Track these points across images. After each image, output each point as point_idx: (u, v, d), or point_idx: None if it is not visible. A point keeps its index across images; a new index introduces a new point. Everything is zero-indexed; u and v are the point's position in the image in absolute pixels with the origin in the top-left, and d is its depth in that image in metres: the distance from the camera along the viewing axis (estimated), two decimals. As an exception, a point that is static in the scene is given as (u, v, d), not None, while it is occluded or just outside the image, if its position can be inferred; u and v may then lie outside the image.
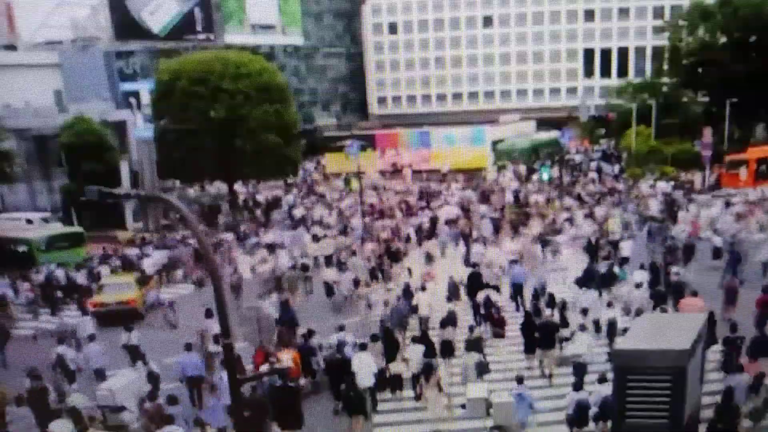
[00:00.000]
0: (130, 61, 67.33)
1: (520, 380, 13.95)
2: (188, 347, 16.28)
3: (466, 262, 24.81)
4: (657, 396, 9.86)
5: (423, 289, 20.17)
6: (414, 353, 15.64)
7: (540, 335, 16.62)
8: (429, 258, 26.29)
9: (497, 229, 30.03)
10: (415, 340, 16.28)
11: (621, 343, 11.13)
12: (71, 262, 29.48)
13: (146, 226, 40.59)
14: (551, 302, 18.75)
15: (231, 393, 9.59)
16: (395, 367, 16.06)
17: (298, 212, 39.01)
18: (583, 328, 16.69)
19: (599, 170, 48.63)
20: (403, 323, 18.47)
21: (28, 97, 49.12)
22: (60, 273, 26.96)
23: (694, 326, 11.05)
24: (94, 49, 63.83)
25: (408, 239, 29.98)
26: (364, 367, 14.77)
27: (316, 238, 29.82)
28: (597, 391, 13.27)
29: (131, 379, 15.08)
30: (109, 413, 14.20)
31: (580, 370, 15.11)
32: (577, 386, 13.56)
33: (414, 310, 19.15)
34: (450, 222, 31.70)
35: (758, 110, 48.34)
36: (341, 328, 17.32)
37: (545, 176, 45.80)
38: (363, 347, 15.51)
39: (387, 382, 15.90)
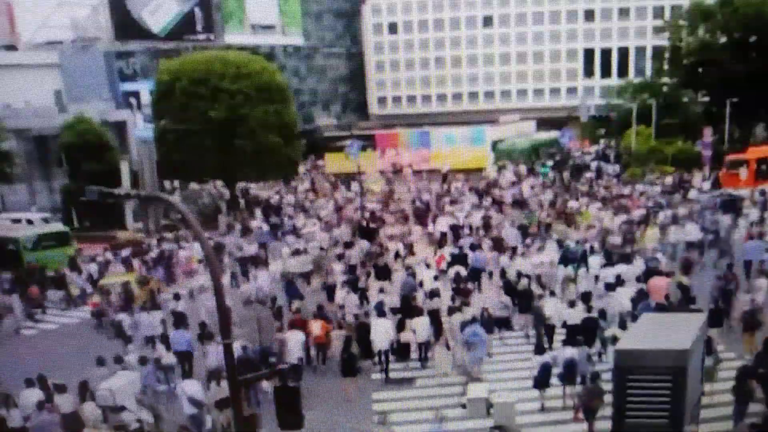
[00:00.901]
0: (130, 62, 67.40)
1: (474, 320, 16.74)
2: (177, 325, 18.36)
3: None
4: (657, 396, 9.85)
5: (428, 266, 22.60)
6: (420, 324, 17.23)
7: (519, 301, 19.25)
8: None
9: (525, 238, 27.12)
10: (416, 313, 17.82)
11: (621, 342, 11.13)
12: (57, 261, 29.59)
13: (146, 226, 40.59)
14: (519, 275, 20.72)
15: (231, 393, 9.62)
16: (404, 337, 17.70)
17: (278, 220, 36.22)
18: (552, 294, 18.89)
19: (598, 170, 48.55)
20: (411, 295, 19.77)
21: (28, 97, 49.17)
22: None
23: (694, 326, 11.04)
24: (94, 50, 63.88)
25: (397, 255, 25.95)
26: (381, 332, 16.72)
27: (297, 252, 26.90)
28: (562, 354, 14.86)
29: (131, 379, 15.11)
30: (109, 413, 14.23)
31: (549, 330, 17.55)
32: (540, 350, 15.39)
33: (420, 284, 20.84)
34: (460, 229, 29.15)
35: (758, 110, 48.30)
36: (381, 290, 20.14)
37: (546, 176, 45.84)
38: (382, 314, 17.81)
39: (397, 350, 17.68)
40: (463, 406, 14.55)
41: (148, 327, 19.04)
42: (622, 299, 17.39)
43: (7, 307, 23.79)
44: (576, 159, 55.66)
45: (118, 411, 14.08)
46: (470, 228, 29.81)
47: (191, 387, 14.32)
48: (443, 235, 28.93)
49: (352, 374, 16.11)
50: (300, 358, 16.75)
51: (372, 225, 31.45)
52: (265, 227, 33.70)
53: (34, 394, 14.43)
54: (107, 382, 14.93)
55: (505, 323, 18.17)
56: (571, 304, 17.58)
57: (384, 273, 22.91)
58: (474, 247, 24.39)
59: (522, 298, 19.20)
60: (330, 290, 21.83)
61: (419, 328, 17.31)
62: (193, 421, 13.96)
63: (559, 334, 17.23)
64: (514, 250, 23.92)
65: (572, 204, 33.35)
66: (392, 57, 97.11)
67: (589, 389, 13.64)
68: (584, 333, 15.94)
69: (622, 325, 15.81)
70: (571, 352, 14.80)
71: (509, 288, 20.18)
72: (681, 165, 45.45)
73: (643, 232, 26.11)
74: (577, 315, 16.77)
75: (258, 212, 41.57)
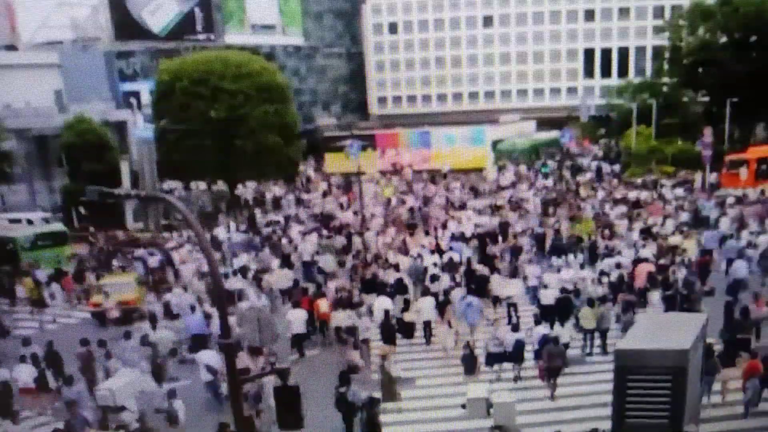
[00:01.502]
0: (130, 62, 67.50)
1: (470, 290, 19.89)
2: (192, 309, 19.58)
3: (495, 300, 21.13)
4: (657, 396, 9.85)
5: (432, 252, 24.96)
6: (426, 305, 19.07)
7: (475, 286, 20.96)
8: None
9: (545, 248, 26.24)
10: (424, 293, 19.81)
11: (621, 342, 11.13)
12: (54, 260, 29.91)
13: (146, 226, 40.59)
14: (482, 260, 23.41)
15: (230, 392, 9.62)
16: (408, 317, 19.38)
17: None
18: (513, 275, 21.58)
19: (599, 170, 48.58)
20: (420, 278, 21.89)
21: (28, 97, 49.15)
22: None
23: (694, 326, 11.04)
24: (95, 50, 63.99)
25: (396, 266, 23.41)
26: (380, 306, 18.91)
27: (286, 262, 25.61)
28: (535, 332, 16.62)
29: (131, 378, 15.10)
30: (109, 413, 14.23)
31: (513, 308, 20.11)
32: (515, 328, 16.91)
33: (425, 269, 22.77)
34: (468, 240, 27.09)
35: (759, 110, 48.25)
36: (397, 268, 22.44)
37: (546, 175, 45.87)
38: (387, 292, 20.20)
39: (402, 328, 19.41)
40: (463, 406, 14.55)
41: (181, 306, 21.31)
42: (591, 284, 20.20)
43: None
44: (576, 159, 55.70)
45: (118, 411, 14.08)
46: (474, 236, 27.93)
47: (208, 356, 15.43)
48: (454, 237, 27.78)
49: (393, 342, 18.05)
50: (302, 332, 18.72)
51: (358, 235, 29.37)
52: (237, 237, 31.84)
53: (28, 370, 16.40)
54: (107, 382, 14.94)
55: (498, 359, 16.75)
56: (545, 286, 19.78)
57: (371, 286, 21.54)
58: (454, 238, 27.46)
59: (477, 284, 21.00)
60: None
61: (424, 308, 19.08)
62: (209, 387, 15.24)
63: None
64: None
65: (617, 212, 31.35)
66: (392, 57, 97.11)
67: (550, 350, 15.39)
68: (559, 310, 18.34)
69: (590, 304, 18.03)
70: (541, 330, 16.60)
71: (468, 270, 22.26)
72: (681, 165, 45.46)
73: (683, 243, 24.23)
74: (551, 295, 19.13)
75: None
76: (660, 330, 11.24)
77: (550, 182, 43.94)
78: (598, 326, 17.56)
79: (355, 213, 35.14)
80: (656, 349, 10.08)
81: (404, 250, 26.04)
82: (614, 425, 10.34)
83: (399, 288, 20.98)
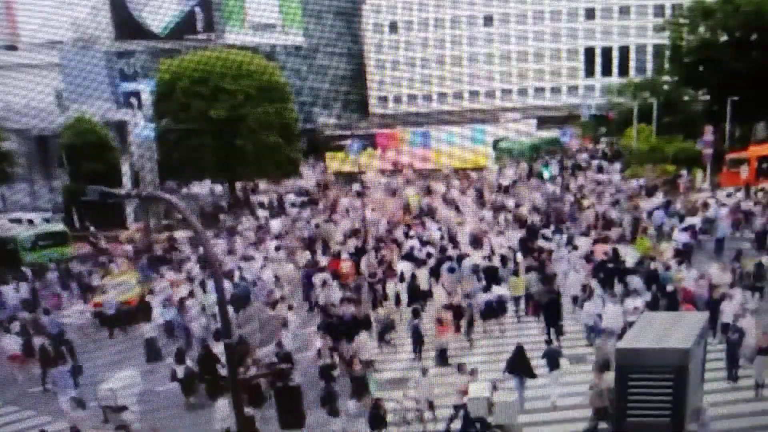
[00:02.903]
0: (130, 61, 67.39)
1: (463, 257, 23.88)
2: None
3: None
4: (659, 395, 9.84)
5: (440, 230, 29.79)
6: (421, 277, 22.53)
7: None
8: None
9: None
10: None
11: (622, 342, 11.12)
12: (55, 260, 30.10)
13: (147, 225, 40.56)
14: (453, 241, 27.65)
15: (232, 392, 9.63)
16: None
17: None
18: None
19: (600, 169, 48.55)
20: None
21: (28, 97, 49.19)
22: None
23: (695, 325, 11.03)
24: (95, 50, 63.94)
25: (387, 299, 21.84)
26: (407, 270, 22.81)
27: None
28: (494, 292, 19.87)
29: (132, 378, 15.10)
30: (110, 413, 14.23)
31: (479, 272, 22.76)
32: (486, 290, 19.99)
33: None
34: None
35: (759, 109, 48.20)
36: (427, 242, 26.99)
37: (546, 175, 45.78)
38: (411, 258, 24.75)
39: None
40: (464, 406, 14.52)
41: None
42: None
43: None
44: (576, 158, 55.63)
45: (119, 411, 14.07)
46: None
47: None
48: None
49: (416, 302, 20.93)
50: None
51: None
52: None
53: (13, 340, 18.81)
54: (108, 382, 14.93)
55: None
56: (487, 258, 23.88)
57: (359, 327, 18.39)
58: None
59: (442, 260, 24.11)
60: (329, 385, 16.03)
61: (421, 279, 22.28)
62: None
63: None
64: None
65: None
66: (393, 56, 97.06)
67: (538, 292, 19.75)
68: (487, 275, 21.54)
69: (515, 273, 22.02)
70: (498, 290, 20.09)
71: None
72: (681, 163, 45.41)
73: None
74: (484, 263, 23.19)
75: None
76: (661, 329, 11.23)
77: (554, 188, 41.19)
78: (527, 292, 20.81)
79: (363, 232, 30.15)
80: (657, 348, 10.07)
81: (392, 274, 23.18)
82: (616, 424, 10.34)
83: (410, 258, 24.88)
